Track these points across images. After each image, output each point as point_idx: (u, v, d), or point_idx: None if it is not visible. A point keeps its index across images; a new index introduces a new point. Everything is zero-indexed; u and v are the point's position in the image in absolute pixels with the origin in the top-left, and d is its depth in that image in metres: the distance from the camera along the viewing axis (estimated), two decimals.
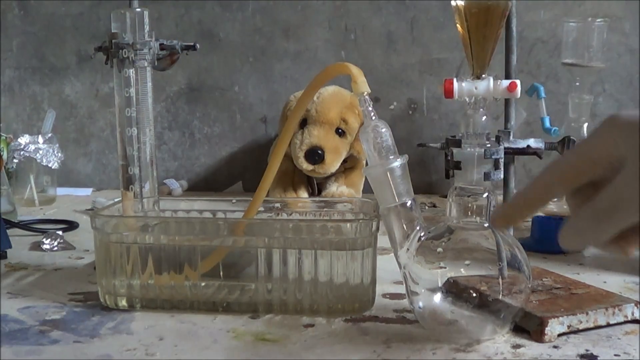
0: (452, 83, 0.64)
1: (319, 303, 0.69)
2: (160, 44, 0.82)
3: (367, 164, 0.63)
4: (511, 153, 0.79)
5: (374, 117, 0.63)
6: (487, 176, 0.65)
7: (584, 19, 1.13)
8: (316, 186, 1.27)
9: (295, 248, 0.69)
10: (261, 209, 0.79)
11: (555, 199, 0.54)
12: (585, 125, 1.17)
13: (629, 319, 0.67)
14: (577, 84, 1.15)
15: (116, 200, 0.82)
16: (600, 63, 1.12)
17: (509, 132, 0.80)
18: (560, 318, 0.63)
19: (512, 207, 0.53)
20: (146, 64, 0.80)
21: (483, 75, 0.65)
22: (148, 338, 0.64)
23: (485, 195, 0.62)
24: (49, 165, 1.27)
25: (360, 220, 0.71)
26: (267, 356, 0.61)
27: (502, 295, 0.61)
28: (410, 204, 0.62)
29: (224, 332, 0.66)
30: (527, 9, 1.36)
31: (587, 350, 0.61)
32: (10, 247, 0.91)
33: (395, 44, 1.40)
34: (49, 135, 1.29)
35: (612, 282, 0.81)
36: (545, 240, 0.95)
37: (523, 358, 0.60)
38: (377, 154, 0.62)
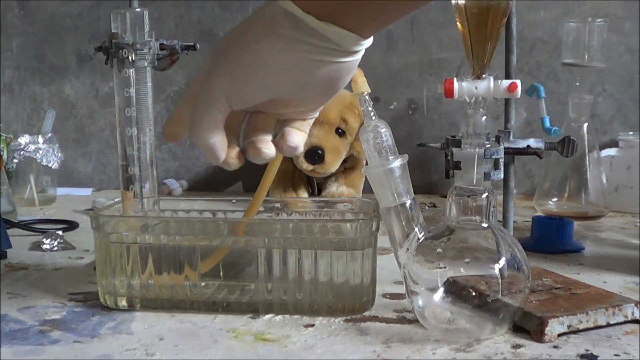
0: (452, 83, 0.64)
1: (319, 303, 0.69)
2: (160, 44, 0.82)
3: (367, 164, 0.63)
4: (511, 153, 0.79)
5: (374, 117, 0.63)
6: (487, 176, 0.65)
7: (584, 19, 1.13)
8: (316, 186, 1.27)
9: (295, 248, 0.69)
10: (261, 209, 0.79)
11: None
12: (585, 125, 1.17)
13: (629, 319, 0.67)
14: (577, 84, 1.15)
15: (116, 200, 0.82)
16: (600, 63, 1.13)
17: (509, 132, 0.80)
18: (560, 318, 0.63)
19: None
20: (146, 64, 0.80)
21: (483, 75, 0.65)
22: (148, 338, 0.64)
23: (485, 195, 0.62)
24: (49, 165, 1.28)
25: (360, 220, 0.70)
26: (267, 356, 0.61)
27: (502, 295, 0.61)
28: (410, 203, 0.62)
29: (224, 332, 0.66)
30: (527, 9, 1.36)
31: (587, 350, 0.61)
32: (10, 247, 0.91)
33: (395, 44, 1.40)
34: (49, 135, 1.29)
35: (612, 282, 0.81)
36: (545, 240, 0.95)
37: (523, 358, 0.60)
38: (377, 154, 0.62)
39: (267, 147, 0.58)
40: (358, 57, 0.54)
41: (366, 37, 0.53)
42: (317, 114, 0.61)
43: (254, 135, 0.59)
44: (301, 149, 0.60)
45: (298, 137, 0.60)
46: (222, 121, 0.56)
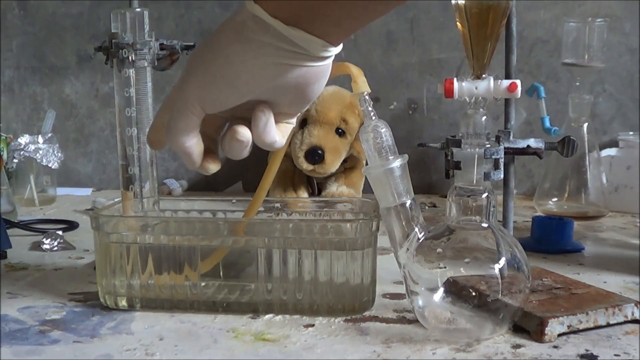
0: (452, 83, 0.64)
1: (319, 303, 0.69)
2: (160, 44, 0.82)
3: (367, 164, 0.63)
4: (511, 153, 0.79)
5: (374, 117, 0.63)
6: (487, 176, 0.65)
7: (584, 19, 1.13)
8: (316, 186, 1.27)
9: (295, 248, 0.69)
10: (261, 209, 0.79)
11: None
12: (585, 125, 1.17)
13: (629, 319, 0.67)
14: (577, 84, 1.15)
15: (116, 200, 0.82)
16: (600, 63, 1.13)
17: (509, 132, 0.80)
18: (560, 318, 0.63)
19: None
20: (146, 64, 0.80)
21: (483, 75, 0.65)
22: (148, 338, 0.64)
23: (485, 195, 0.62)
24: (49, 165, 1.27)
25: (360, 220, 0.70)
26: (267, 356, 0.61)
27: (502, 294, 0.61)
28: (410, 203, 0.62)
29: (224, 332, 0.66)
30: (527, 9, 1.36)
31: (587, 350, 0.61)
32: (10, 247, 0.91)
33: (395, 44, 1.40)
34: (49, 135, 1.29)
35: (612, 282, 0.81)
36: (545, 240, 0.95)
37: (523, 358, 0.60)
38: (377, 154, 0.62)
39: (243, 128, 0.57)
40: (327, 63, 0.55)
41: (334, 44, 0.54)
42: (294, 122, 0.61)
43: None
44: (281, 144, 0.59)
45: (276, 132, 0.59)
46: (197, 125, 0.56)
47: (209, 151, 0.59)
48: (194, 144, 0.56)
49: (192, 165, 0.58)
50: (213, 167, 0.59)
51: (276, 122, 0.58)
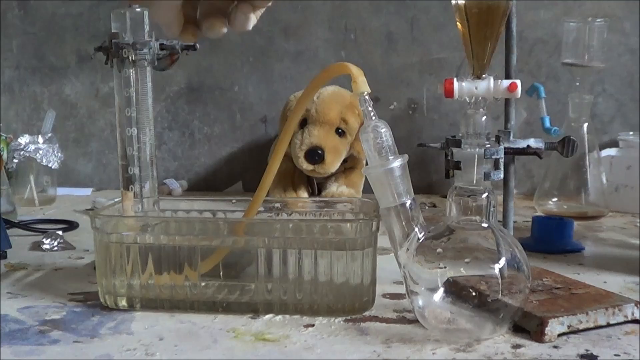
0: (452, 83, 0.64)
1: (319, 303, 0.69)
2: (160, 44, 0.82)
3: (367, 164, 0.63)
4: (511, 153, 0.79)
5: (374, 117, 0.63)
6: (487, 176, 0.65)
7: (584, 19, 1.13)
8: (316, 186, 1.27)
9: (295, 248, 0.69)
10: (261, 209, 0.79)
11: None
12: (585, 125, 1.17)
13: (629, 319, 0.67)
14: (577, 84, 1.15)
15: (116, 200, 0.82)
16: (600, 63, 1.13)
17: (509, 132, 0.80)
18: (560, 318, 0.63)
19: None
20: (146, 64, 0.80)
21: (483, 75, 0.65)
22: (148, 338, 0.64)
23: (485, 195, 0.62)
24: (49, 165, 1.27)
25: (360, 220, 0.70)
26: (267, 356, 0.61)
27: (502, 295, 0.61)
28: (410, 203, 0.62)
29: (224, 332, 0.66)
30: (527, 9, 1.36)
31: (587, 350, 0.61)
32: (10, 247, 0.91)
33: (395, 44, 1.40)
34: (49, 135, 1.29)
35: (612, 282, 0.81)
36: (545, 240, 0.95)
37: (523, 358, 0.60)
38: (377, 154, 0.62)
39: (220, 21, 0.64)
40: None
41: None
42: (269, 3, 0.65)
43: (209, 14, 0.66)
44: (253, 21, 0.65)
45: (251, 11, 0.65)
46: (180, 4, 0.62)
47: (188, 21, 0.65)
48: (176, 19, 0.64)
49: (171, 35, 0.65)
50: (191, 39, 0.67)
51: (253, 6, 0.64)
